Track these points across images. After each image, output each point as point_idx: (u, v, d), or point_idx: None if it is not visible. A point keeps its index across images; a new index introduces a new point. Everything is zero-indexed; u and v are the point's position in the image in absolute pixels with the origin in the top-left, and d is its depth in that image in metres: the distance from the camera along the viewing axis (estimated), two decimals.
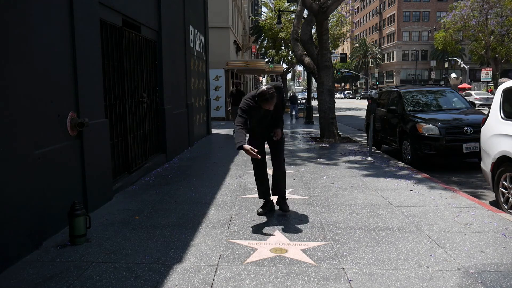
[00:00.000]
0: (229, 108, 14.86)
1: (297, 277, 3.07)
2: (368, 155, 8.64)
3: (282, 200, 4.74)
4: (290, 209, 4.76)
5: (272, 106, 4.19)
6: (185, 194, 5.58)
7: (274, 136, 4.51)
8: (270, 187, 4.73)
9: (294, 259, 3.40)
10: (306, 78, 28.83)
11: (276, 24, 24.76)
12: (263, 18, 33.20)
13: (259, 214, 4.62)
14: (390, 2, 72.59)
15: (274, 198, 4.86)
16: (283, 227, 4.22)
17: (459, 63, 50.85)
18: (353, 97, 73.19)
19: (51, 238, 3.86)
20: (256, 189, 4.75)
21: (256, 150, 4.05)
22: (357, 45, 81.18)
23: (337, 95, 68.88)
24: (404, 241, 3.79)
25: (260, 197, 4.74)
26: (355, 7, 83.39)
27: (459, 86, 44.05)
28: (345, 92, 75.47)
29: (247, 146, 4.03)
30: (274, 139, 4.54)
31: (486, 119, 5.56)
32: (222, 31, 21.49)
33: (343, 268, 3.23)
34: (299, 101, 24.53)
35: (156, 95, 7.77)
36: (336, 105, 14.63)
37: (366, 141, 11.10)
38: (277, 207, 4.81)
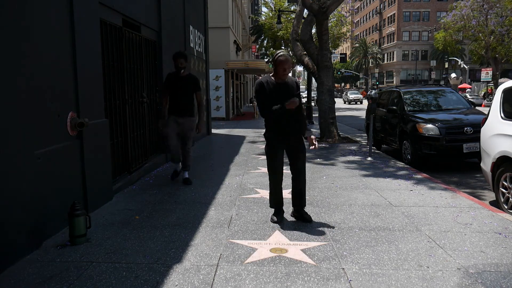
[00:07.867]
0: (163, 115, 6.26)
1: (297, 277, 3.07)
2: (368, 155, 8.64)
3: (302, 210, 4.44)
4: (290, 208, 4.61)
5: (289, 68, 4.05)
6: (185, 194, 5.58)
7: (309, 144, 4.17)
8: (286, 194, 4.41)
9: (294, 259, 3.40)
10: (306, 78, 28.82)
11: (276, 24, 24.74)
12: (263, 18, 33.20)
13: (273, 222, 4.33)
14: (390, 2, 72.55)
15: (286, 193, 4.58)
16: (283, 227, 4.21)
17: (459, 63, 50.85)
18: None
19: (51, 238, 3.86)
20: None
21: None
22: (357, 45, 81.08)
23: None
24: (404, 241, 3.80)
25: (271, 206, 4.45)
26: (355, 7, 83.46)
27: (459, 86, 44.03)
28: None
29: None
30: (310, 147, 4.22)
31: (486, 119, 5.57)
32: (222, 31, 21.47)
33: (343, 268, 3.23)
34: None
35: (156, 95, 7.77)
36: (336, 105, 14.59)
37: (366, 141, 11.10)
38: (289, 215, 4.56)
